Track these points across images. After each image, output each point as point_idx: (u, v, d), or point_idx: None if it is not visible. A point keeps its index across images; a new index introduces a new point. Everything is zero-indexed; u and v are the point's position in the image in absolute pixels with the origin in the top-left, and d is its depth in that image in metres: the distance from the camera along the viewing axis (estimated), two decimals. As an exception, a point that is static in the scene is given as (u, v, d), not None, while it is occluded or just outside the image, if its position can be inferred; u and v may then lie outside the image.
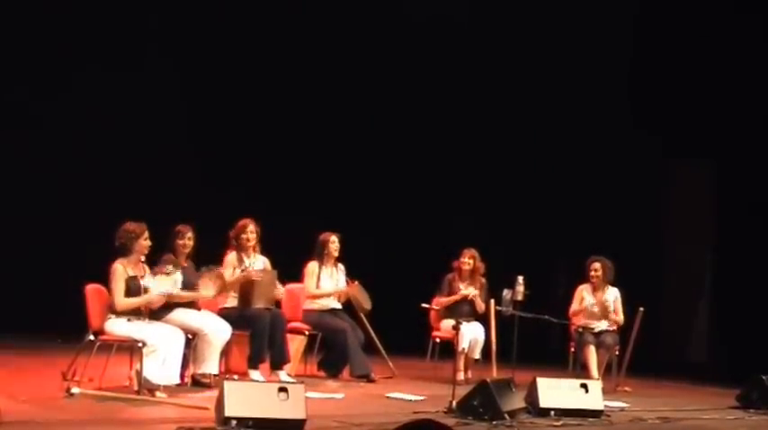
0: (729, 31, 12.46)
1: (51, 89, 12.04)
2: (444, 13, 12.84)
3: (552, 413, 7.98)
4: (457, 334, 8.95)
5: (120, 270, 8.06)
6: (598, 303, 10.21)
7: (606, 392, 8.66)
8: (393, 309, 10.46)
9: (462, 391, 7.92)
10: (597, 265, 10.24)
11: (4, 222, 11.63)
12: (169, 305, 8.38)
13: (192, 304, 8.61)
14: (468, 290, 10.15)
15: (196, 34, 12.61)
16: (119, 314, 8.03)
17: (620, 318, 10.26)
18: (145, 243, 8.17)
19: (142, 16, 12.37)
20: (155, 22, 12.44)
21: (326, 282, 9.98)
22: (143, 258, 8.23)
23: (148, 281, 8.17)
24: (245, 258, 9.34)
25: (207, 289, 8.66)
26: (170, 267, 8.35)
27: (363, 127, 13.25)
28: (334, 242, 9.98)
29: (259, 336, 8.99)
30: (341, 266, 10.13)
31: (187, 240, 8.73)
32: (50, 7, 12.00)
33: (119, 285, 8.02)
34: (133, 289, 8.08)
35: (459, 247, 10.34)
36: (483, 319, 10.19)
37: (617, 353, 10.23)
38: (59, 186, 12.04)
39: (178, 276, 8.33)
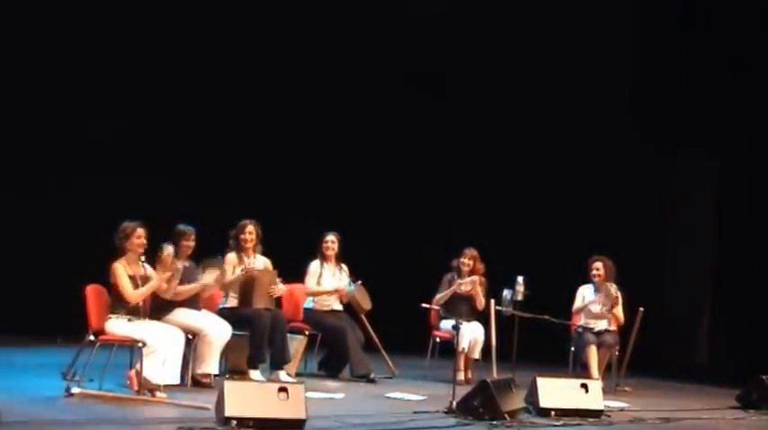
0: (734, 28, 12.45)
1: (52, 87, 12.04)
2: (445, 14, 12.85)
3: (552, 413, 7.97)
4: (457, 334, 8.95)
5: (121, 268, 8.07)
6: (601, 299, 10.19)
7: (606, 392, 8.66)
8: (393, 309, 10.46)
9: (462, 391, 7.93)
10: (599, 265, 10.24)
11: (4, 222, 11.64)
12: (170, 303, 8.38)
13: (192, 304, 8.61)
14: (466, 280, 10.11)
15: (197, 34, 12.60)
16: (121, 313, 8.03)
17: (621, 317, 10.26)
18: (138, 241, 8.16)
19: (142, 16, 12.36)
20: (156, 22, 12.43)
21: (328, 282, 9.99)
22: (143, 258, 8.23)
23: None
24: (245, 259, 9.35)
25: (209, 276, 8.69)
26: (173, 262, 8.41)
27: (364, 127, 13.24)
28: (327, 242, 10.00)
29: (259, 336, 8.99)
30: (344, 267, 10.14)
31: (190, 242, 8.73)
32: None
33: (125, 280, 8.04)
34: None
35: (460, 247, 10.34)
36: (483, 319, 10.19)
37: (617, 352, 10.23)
38: (59, 186, 12.04)
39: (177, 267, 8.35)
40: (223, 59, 12.80)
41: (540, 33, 12.97)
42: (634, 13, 13.09)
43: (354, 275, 10.15)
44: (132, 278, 8.12)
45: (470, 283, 10.12)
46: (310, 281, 9.95)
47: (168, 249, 8.48)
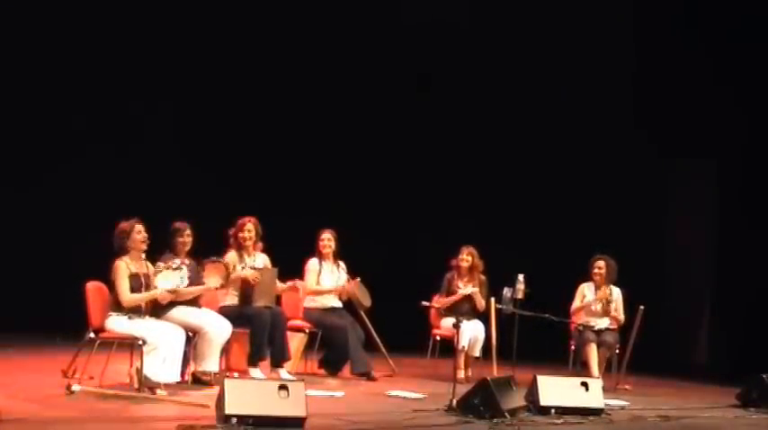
0: (734, 29, 12.46)
1: (51, 87, 12.04)
2: (445, 15, 12.85)
3: (553, 411, 7.97)
4: (457, 332, 8.95)
5: (123, 267, 8.07)
6: (600, 299, 10.21)
7: (606, 390, 8.67)
8: (393, 308, 10.46)
9: (463, 389, 7.93)
10: (601, 263, 10.25)
11: (5, 221, 11.64)
12: (170, 302, 8.38)
13: (193, 302, 8.60)
14: (467, 288, 10.15)
15: (195, 31, 12.60)
16: (121, 311, 8.03)
17: (621, 317, 10.27)
18: (138, 237, 8.16)
19: (137, 14, 12.36)
20: (155, 18, 12.43)
21: (327, 279, 9.99)
22: (143, 256, 8.23)
23: (158, 279, 8.16)
24: (245, 256, 9.34)
25: (213, 279, 8.66)
26: (176, 261, 8.36)
27: (366, 126, 13.24)
28: (323, 239, 9.99)
29: (259, 334, 8.99)
30: (342, 264, 10.13)
31: (186, 237, 8.72)
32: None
33: (123, 281, 8.03)
34: (135, 286, 8.09)
35: (460, 246, 10.34)
36: (483, 317, 10.20)
37: (617, 351, 10.23)
38: (59, 185, 12.04)
39: (185, 271, 8.32)
40: (223, 56, 12.80)
41: (544, 35, 12.95)
42: (635, 16, 13.07)
43: (352, 273, 10.15)
44: (136, 276, 8.11)
45: (471, 292, 10.14)
46: (310, 279, 9.95)
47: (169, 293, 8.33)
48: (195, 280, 8.60)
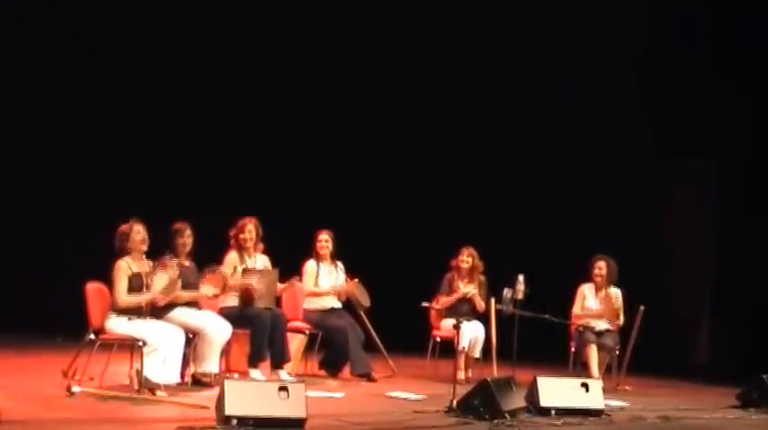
0: (732, 30, 12.46)
1: (50, 87, 12.04)
2: (449, 16, 12.84)
3: (553, 412, 7.97)
4: (457, 333, 8.95)
5: (124, 266, 8.07)
6: (601, 302, 10.20)
7: (607, 391, 8.67)
8: (393, 308, 10.45)
9: (463, 390, 7.92)
10: (602, 264, 10.23)
11: (5, 221, 11.64)
12: (170, 304, 8.37)
13: (192, 303, 8.61)
14: (467, 288, 10.15)
15: (196, 33, 12.61)
16: (119, 312, 8.03)
17: (620, 319, 10.25)
18: (137, 237, 8.16)
19: (142, 14, 12.35)
20: (155, 19, 12.43)
21: (325, 280, 9.98)
22: (144, 256, 8.23)
23: (155, 281, 8.17)
24: (245, 257, 9.34)
25: (207, 289, 8.67)
26: (168, 262, 8.36)
27: (365, 126, 13.24)
28: (321, 241, 9.98)
29: (259, 335, 8.99)
30: (340, 264, 10.13)
31: (186, 238, 8.73)
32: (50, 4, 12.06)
33: (121, 282, 8.04)
34: (136, 285, 8.10)
35: (459, 245, 10.33)
36: (483, 318, 10.19)
37: (617, 352, 10.22)
38: (60, 185, 12.04)
39: (173, 272, 8.31)
40: (223, 56, 12.81)
41: (545, 35, 12.93)
42: (637, 15, 13.05)
43: (351, 273, 10.14)
44: (138, 275, 8.12)
45: (470, 293, 10.13)
46: (308, 281, 9.94)
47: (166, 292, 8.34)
48: (192, 282, 8.60)
